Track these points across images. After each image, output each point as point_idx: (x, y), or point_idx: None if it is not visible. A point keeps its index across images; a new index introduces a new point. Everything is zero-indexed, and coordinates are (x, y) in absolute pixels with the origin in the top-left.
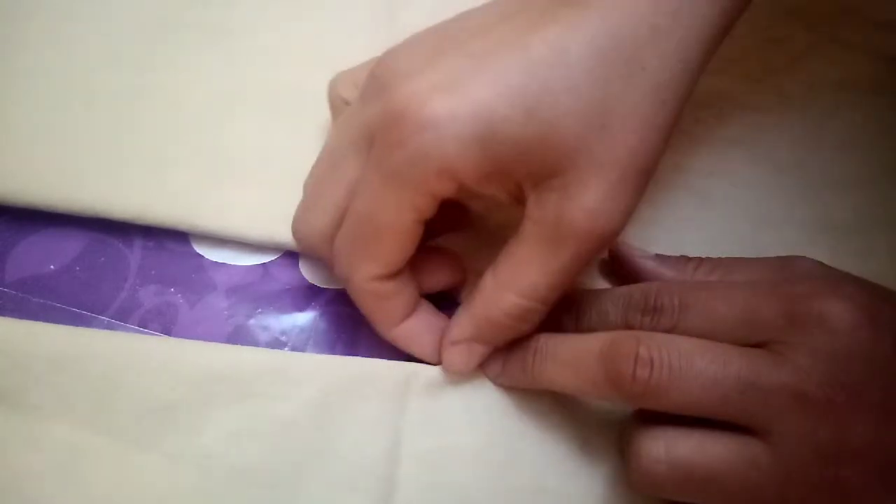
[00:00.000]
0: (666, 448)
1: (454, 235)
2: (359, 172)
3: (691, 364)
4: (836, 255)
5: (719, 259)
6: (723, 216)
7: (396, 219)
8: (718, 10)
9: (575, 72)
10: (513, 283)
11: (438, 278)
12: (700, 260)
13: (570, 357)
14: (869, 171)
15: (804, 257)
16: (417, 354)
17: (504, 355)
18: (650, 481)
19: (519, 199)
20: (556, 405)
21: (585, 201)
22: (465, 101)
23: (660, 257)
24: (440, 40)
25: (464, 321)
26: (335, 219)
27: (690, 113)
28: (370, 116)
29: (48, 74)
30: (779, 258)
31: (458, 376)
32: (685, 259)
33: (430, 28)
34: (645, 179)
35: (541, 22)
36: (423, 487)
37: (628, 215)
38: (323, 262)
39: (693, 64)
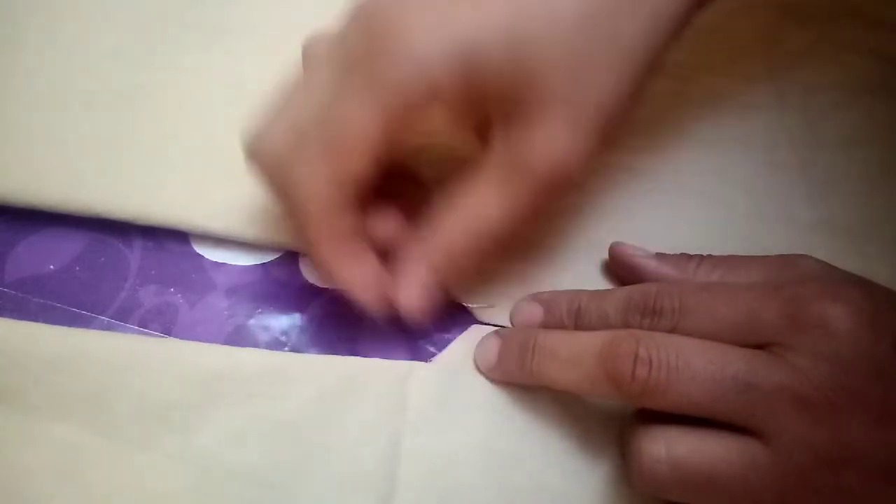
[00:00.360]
0: (666, 447)
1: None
2: (331, 86)
3: (689, 364)
4: (836, 255)
5: (720, 257)
6: (723, 216)
7: (365, 122)
8: None
9: (559, 16)
10: (466, 212)
11: (385, 227)
12: (701, 258)
13: (568, 355)
14: (869, 171)
15: (806, 256)
16: (359, 293)
17: (500, 350)
18: (650, 481)
19: (483, 136)
20: (555, 404)
21: (547, 138)
22: (453, 24)
23: (660, 256)
24: None
25: (417, 255)
26: (298, 133)
27: (690, 113)
28: (351, 39)
29: (48, 74)
30: (780, 257)
31: (455, 374)
32: (686, 257)
33: None
34: (606, 129)
35: None
36: (423, 487)
37: (586, 159)
38: (273, 182)
39: (662, 31)
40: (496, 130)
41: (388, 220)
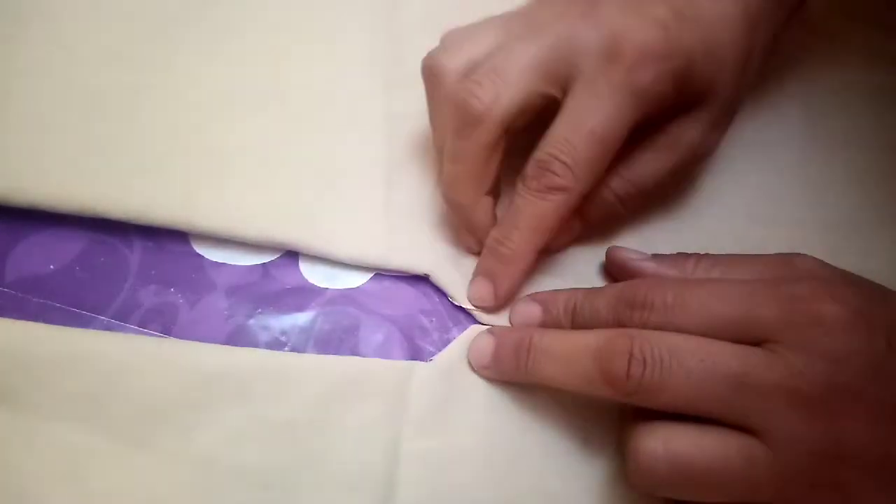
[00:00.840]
0: (664, 444)
1: None
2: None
3: (683, 362)
4: (836, 255)
5: (718, 256)
6: (723, 216)
7: (626, 131)
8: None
9: (732, 28)
10: (628, 172)
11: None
12: (699, 257)
13: (564, 354)
14: (869, 171)
15: (804, 255)
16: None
17: (495, 348)
18: (649, 478)
19: (660, 117)
20: (555, 404)
21: (704, 126)
22: (670, 41)
23: (657, 257)
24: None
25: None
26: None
27: None
28: (577, 40)
29: (48, 74)
30: (779, 255)
31: (455, 374)
32: (684, 256)
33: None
34: (729, 123)
35: None
36: (423, 488)
37: (722, 138)
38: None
39: (771, 39)
40: (671, 118)
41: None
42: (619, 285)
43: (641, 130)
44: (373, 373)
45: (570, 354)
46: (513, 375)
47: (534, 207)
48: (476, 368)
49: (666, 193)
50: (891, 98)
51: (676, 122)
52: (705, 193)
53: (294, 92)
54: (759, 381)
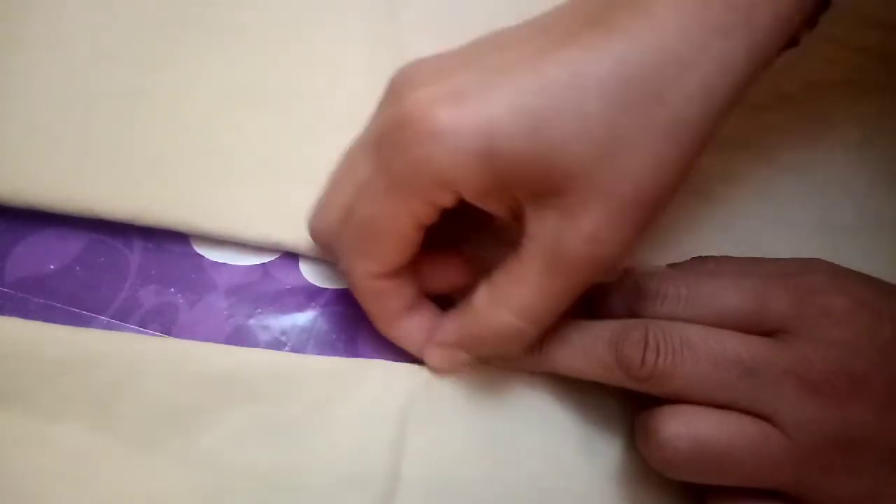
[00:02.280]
0: (686, 424)
1: (477, 238)
2: (367, 174)
3: (694, 350)
4: (836, 255)
5: (737, 258)
6: (723, 216)
7: (394, 224)
8: (750, 48)
9: (588, 96)
10: (507, 300)
11: (443, 280)
12: (717, 259)
13: (579, 341)
14: (869, 171)
15: (820, 260)
16: (412, 352)
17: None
18: (671, 458)
19: (517, 216)
20: (557, 404)
21: (584, 226)
22: (470, 115)
23: (674, 266)
24: (461, 55)
25: (451, 328)
26: (342, 217)
27: None
28: (381, 120)
29: (48, 74)
30: (795, 260)
31: (457, 376)
32: (700, 260)
33: (462, 46)
34: (649, 214)
35: (561, 43)
36: (425, 487)
37: (628, 247)
38: (330, 257)
39: (717, 103)
40: (529, 213)
41: (448, 270)
42: (633, 277)
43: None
44: (373, 373)
45: (585, 341)
46: (524, 362)
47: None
48: (486, 360)
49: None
50: (891, 98)
51: (541, 217)
52: (706, 193)
53: (294, 92)
54: (769, 368)
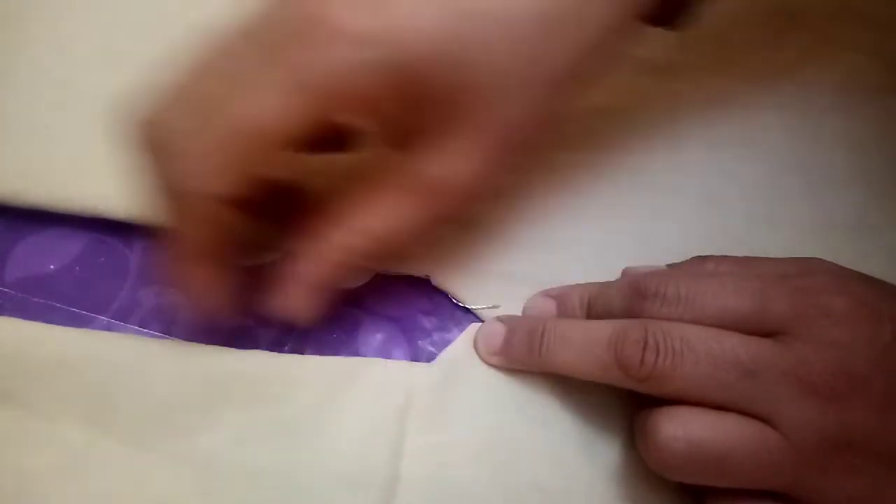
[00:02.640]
0: (683, 426)
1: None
2: (252, 69)
3: (694, 351)
4: (836, 255)
5: (736, 258)
6: (722, 216)
7: (275, 127)
8: (618, 11)
9: (489, 32)
10: (358, 221)
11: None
12: (717, 259)
13: (579, 340)
14: (869, 171)
15: (821, 260)
16: (189, 300)
17: (507, 335)
18: (667, 459)
19: (391, 142)
20: (557, 405)
21: (450, 158)
22: (390, 24)
23: (675, 267)
24: None
25: (302, 258)
26: (195, 112)
27: (690, 113)
28: (274, 19)
29: (48, 74)
30: (795, 260)
31: (456, 373)
32: (699, 260)
33: None
34: (513, 155)
35: None
36: (425, 487)
37: (486, 180)
38: (157, 156)
39: (590, 55)
40: (402, 141)
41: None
42: (631, 276)
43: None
44: (373, 373)
45: (584, 341)
46: (524, 362)
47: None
48: (484, 356)
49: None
50: (891, 98)
51: (427, 145)
52: (706, 194)
53: None
54: (769, 369)
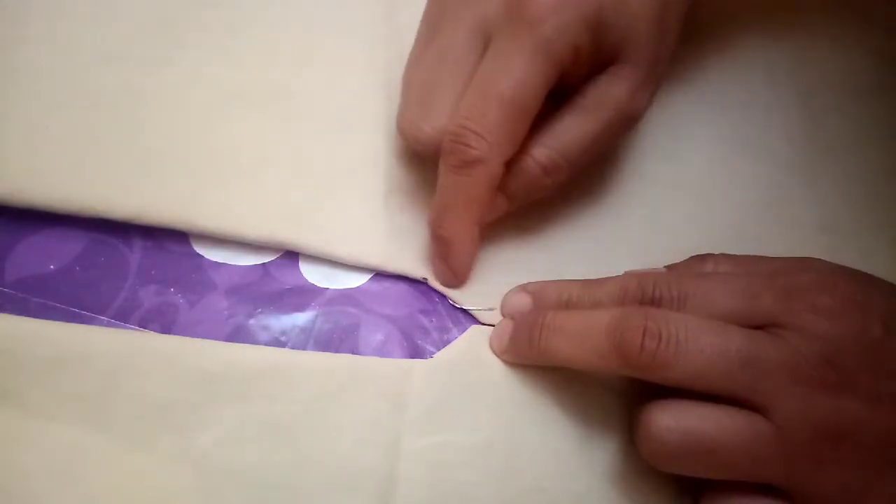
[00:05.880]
0: (676, 417)
1: None
2: (475, 68)
3: (696, 338)
4: (836, 255)
5: (733, 255)
6: (723, 216)
7: (542, 92)
8: None
9: None
10: (550, 139)
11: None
12: (716, 259)
13: (577, 330)
14: (869, 171)
15: (818, 259)
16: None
17: (513, 331)
18: (661, 450)
19: (576, 80)
20: (556, 405)
21: (630, 84)
22: None
23: (672, 268)
24: None
25: (507, 170)
26: (453, 112)
27: (691, 114)
28: (487, 14)
29: (48, 74)
30: (792, 259)
31: (456, 373)
32: (699, 259)
33: None
34: (658, 79)
35: None
36: (424, 486)
37: (648, 108)
38: (432, 157)
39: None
40: (588, 79)
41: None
42: (621, 278)
43: (562, 96)
44: (373, 372)
45: (582, 330)
46: (528, 356)
47: (456, 185)
48: (498, 354)
49: (592, 162)
50: (891, 98)
51: (596, 81)
52: (704, 194)
53: (294, 92)
54: (766, 358)
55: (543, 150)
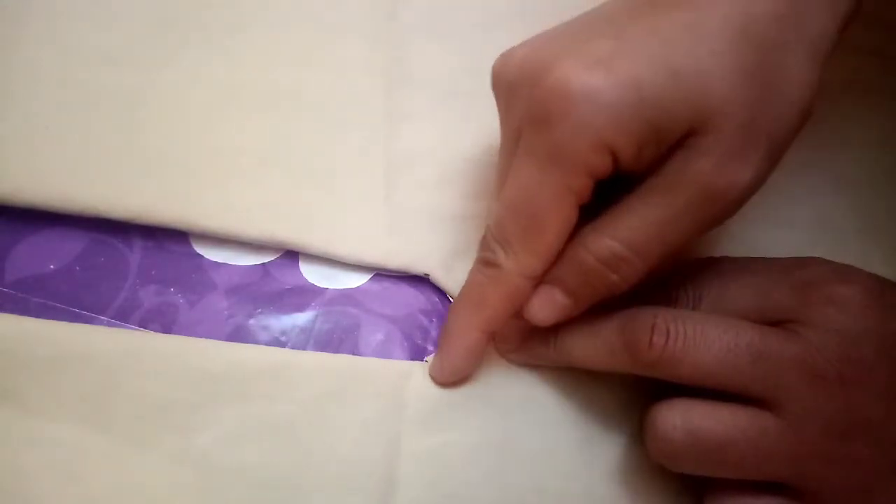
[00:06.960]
0: (682, 415)
1: None
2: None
3: (706, 334)
4: (836, 256)
5: (737, 258)
6: None
7: (557, 204)
8: (832, 8)
9: (713, 40)
10: (610, 227)
11: None
12: (718, 260)
13: (590, 329)
14: (869, 172)
15: (821, 258)
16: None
17: (524, 332)
18: (666, 448)
19: (651, 165)
20: (556, 405)
21: (714, 156)
22: (612, 73)
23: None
24: (568, 34)
25: (555, 266)
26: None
27: None
28: (523, 106)
29: (48, 74)
30: (795, 258)
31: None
32: (700, 261)
33: (552, 29)
34: (778, 152)
35: (669, 7)
36: (424, 487)
37: (756, 182)
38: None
39: (827, 41)
40: (664, 159)
41: None
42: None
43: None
44: (373, 373)
45: (594, 328)
46: (541, 356)
47: (473, 281)
48: (503, 354)
49: (678, 254)
50: (891, 98)
51: (672, 158)
52: None
53: (294, 92)
54: (778, 354)
55: (599, 239)
